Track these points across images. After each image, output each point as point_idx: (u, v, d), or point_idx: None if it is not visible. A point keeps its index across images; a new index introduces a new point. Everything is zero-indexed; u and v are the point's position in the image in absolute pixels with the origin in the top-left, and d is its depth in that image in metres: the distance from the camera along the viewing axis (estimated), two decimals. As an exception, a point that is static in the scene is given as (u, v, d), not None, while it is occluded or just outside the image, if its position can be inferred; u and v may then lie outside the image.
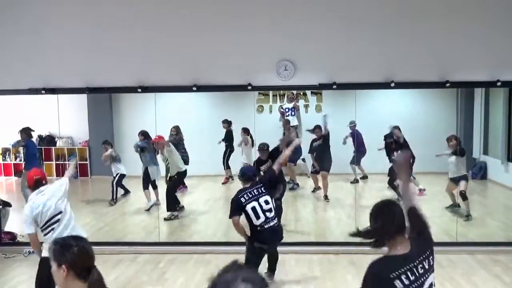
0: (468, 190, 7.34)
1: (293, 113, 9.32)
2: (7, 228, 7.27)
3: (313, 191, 8.85)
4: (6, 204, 7.34)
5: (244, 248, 5.47)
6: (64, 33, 6.74)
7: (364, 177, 9.10)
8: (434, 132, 8.48)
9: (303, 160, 9.24)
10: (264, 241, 5.28)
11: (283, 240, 6.11)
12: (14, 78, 6.82)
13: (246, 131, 8.74)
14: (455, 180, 7.43)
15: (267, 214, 5.22)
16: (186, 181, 8.68)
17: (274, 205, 5.52)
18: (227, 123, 9.06)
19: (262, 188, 5.32)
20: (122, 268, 6.24)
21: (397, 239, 2.63)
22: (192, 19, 6.60)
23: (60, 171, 8.53)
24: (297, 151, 8.48)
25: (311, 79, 6.62)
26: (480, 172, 8.46)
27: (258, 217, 5.20)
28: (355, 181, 8.78)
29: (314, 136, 8.54)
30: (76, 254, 2.54)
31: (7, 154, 9.37)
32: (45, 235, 4.68)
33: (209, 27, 6.59)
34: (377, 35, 6.49)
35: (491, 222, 7.42)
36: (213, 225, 7.85)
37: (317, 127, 8.44)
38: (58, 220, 4.69)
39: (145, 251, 6.77)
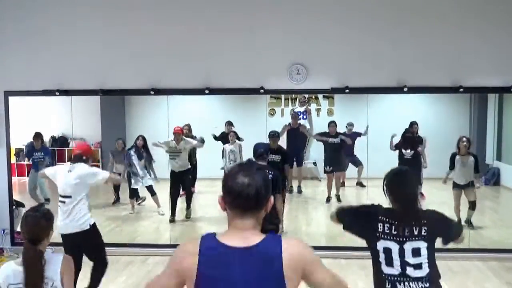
0: (481, 196, 7.26)
1: (304, 116, 9.30)
2: (19, 228, 7.30)
3: (328, 201, 8.60)
4: (19, 205, 7.39)
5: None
6: (78, 35, 6.81)
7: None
8: (446, 137, 8.41)
9: (314, 164, 9.21)
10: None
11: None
12: (28, 80, 6.89)
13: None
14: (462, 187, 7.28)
15: None
16: (196, 183, 8.70)
17: None
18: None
19: (270, 176, 5.18)
20: (133, 270, 6.27)
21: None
22: (205, 23, 6.63)
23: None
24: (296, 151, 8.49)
25: (323, 83, 6.61)
26: (493, 178, 8.37)
27: None
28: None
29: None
30: (22, 222, 2.97)
31: (20, 154, 9.45)
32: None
33: (222, 30, 6.62)
34: (390, 39, 6.47)
35: (504, 229, 7.35)
36: (223, 228, 7.84)
37: (333, 122, 8.35)
38: (63, 202, 4.84)
39: (156, 253, 6.78)
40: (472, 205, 7.19)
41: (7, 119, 7.06)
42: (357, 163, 8.81)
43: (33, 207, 3.13)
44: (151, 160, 8.29)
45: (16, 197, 7.49)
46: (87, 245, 4.96)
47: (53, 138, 9.09)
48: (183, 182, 8.13)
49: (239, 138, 8.75)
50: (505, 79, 6.43)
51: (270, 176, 5.23)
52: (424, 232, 2.77)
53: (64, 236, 4.87)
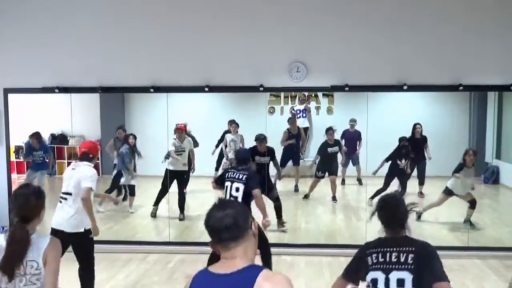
0: (480, 194, 7.27)
1: (304, 115, 9.31)
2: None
3: (306, 197, 8.71)
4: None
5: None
6: (77, 33, 6.80)
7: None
8: (446, 135, 8.43)
9: (314, 162, 9.21)
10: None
11: (293, 242, 6.11)
12: (28, 77, 6.89)
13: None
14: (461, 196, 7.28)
15: (232, 199, 5.13)
16: (195, 181, 8.70)
17: (242, 198, 5.24)
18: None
19: (244, 177, 5.24)
20: (132, 268, 6.27)
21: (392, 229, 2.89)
22: (205, 20, 6.62)
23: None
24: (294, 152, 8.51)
25: (323, 81, 6.61)
26: (492, 176, 8.38)
27: (225, 195, 5.27)
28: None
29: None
30: (12, 200, 2.87)
31: (19, 152, 9.44)
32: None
33: (222, 28, 6.62)
34: (390, 38, 6.47)
35: (503, 227, 7.35)
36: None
37: (331, 129, 8.37)
38: (64, 199, 4.84)
39: (155, 250, 6.79)
40: (472, 204, 7.18)
41: (6, 116, 7.06)
42: (355, 162, 8.83)
43: (23, 184, 3.03)
44: (136, 158, 8.27)
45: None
46: (79, 247, 4.86)
47: (52, 135, 9.09)
48: (178, 181, 8.06)
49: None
50: (505, 77, 6.43)
51: (244, 176, 5.25)
52: (411, 260, 2.73)
53: (55, 231, 4.74)
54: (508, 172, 8.19)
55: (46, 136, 8.63)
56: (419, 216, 7.41)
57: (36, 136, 7.92)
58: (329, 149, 8.42)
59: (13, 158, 7.93)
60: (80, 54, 6.81)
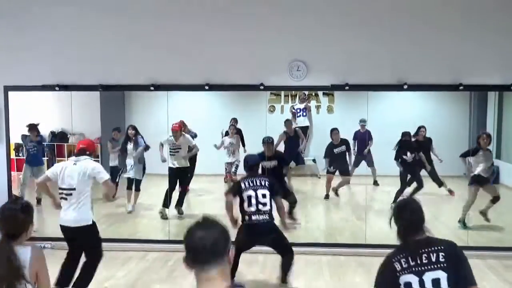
0: (481, 194, 7.27)
1: (304, 113, 9.30)
2: None
3: (327, 198, 8.66)
4: (18, 199, 7.38)
5: (254, 248, 5.49)
6: (78, 31, 6.80)
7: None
8: (446, 135, 8.42)
9: (314, 160, 9.22)
10: (246, 233, 5.30)
11: (293, 241, 6.09)
12: (28, 75, 6.89)
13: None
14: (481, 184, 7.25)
15: (260, 206, 5.23)
16: (196, 179, 8.70)
17: (272, 203, 5.36)
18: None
19: (266, 183, 5.31)
20: (132, 266, 6.27)
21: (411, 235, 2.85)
22: (206, 18, 6.62)
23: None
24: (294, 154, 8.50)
25: (323, 80, 6.61)
26: (492, 176, 8.38)
27: (250, 205, 5.23)
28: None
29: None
30: None
31: (19, 149, 9.44)
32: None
33: (222, 26, 6.62)
34: (390, 37, 6.47)
35: (503, 227, 7.35)
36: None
37: (335, 129, 8.34)
38: (69, 194, 4.89)
39: (155, 249, 6.79)
40: (495, 199, 7.19)
41: (6, 114, 7.06)
42: (370, 163, 8.81)
43: (12, 199, 2.99)
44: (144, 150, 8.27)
45: (15, 191, 7.49)
46: (87, 240, 5.00)
47: (52, 133, 9.09)
48: (180, 178, 8.10)
49: (239, 132, 8.79)
50: (505, 77, 6.43)
51: (266, 182, 5.29)
52: (442, 259, 2.72)
53: (65, 228, 4.93)
54: (508, 172, 8.19)
55: (46, 134, 8.63)
56: (464, 224, 7.26)
57: (33, 128, 7.94)
58: (335, 150, 8.39)
59: (13, 155, 7.92)
60: (80, 52, 6.81)
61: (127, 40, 6.75)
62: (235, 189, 5.39)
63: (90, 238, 5.01)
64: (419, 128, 8.11)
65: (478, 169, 7.22)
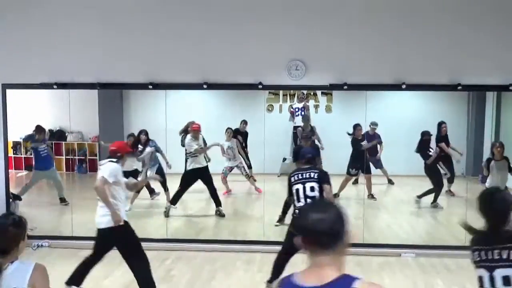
0: (478, 194, 7.26)
1: (303, 113, 9.30)
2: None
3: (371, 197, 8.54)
4: (16, 198, 7.39)
5: (251, 247, 5.48)
6: (76, 29, 6.78)
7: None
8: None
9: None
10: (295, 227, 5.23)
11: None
12: (26, 73, 6.87)
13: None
14: None
15: (308, 200, 5.01)
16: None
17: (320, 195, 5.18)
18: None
19: (316, 175, 5.11)
20: (127, 267, 6.25)
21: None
22: (204, 17, 6.60)
23: (70, 166, 8.58)
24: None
25: (322, 79, 6.60)
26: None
27: (299, 200, 5.07)
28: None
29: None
30: None
31: (17, 147, 9.43)
32: None
33: (221, 25, 6.60)
34: (389, 37, 6.46)
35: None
36: (220, 223, 7.87)
37: (359, 125, 8.27)
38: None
39: (152, 247, 6.75)
40: None
41: (4, 112, 7.04)
42: (378, 165, 8.81)
43: (4, 213, 2.86)
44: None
45: (13, 190, 7.48)
46: (116, 242, 5.04)
47: (50, 131, 9.08)
48: (206, 178, 8.09)
49: (236, 136, 8.77)
50: (503, 78, 6.43)
51: (316, 174, 5.12)
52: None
53: (97, 230, 5.02)
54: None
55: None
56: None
57: (41, 130, 7.97)
58: (362, 144, 8.35)
59: (10, 153, 7.92)
60: (78, 50, 6.79)
61: (125, 38, 6.73)
62: (288, 185, 5.27)
63: (120, 239, 5.02)
64: (440, 123, 8.10)
65: (488, 182, 7.22)
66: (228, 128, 8.78)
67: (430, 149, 8.07)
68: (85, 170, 9.48)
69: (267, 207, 7.38)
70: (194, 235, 7.39)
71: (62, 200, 8.06)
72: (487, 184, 7.24)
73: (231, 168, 8.84)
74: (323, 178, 5.12)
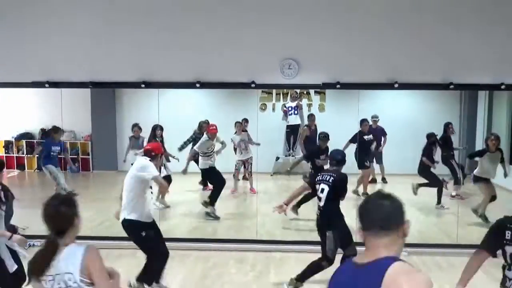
0: (470, 192, 7.32)
1: (296, 112, 9.33)
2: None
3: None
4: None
5: (243, 245, 5.48)
6: (68, 27, 6.74)
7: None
8: (437, 133, 8.47)
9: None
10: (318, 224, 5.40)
11: (283, 239, 6.08)
12: (18, 71, 6.82)
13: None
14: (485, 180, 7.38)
15: (319, 201, 5.31)
16: (187, 177, 8.70)
17: (325, 200, 5.30)
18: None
19: (331, 179, 5.23)
20: (122, 263, 6.23)
21: None
22: (197, 16, 6.59)
23: (62, 164, 8.54)
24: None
25: (315, 78, 6.61)
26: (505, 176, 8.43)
27: (319, 199, 5.31)
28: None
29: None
30: (42, 213, 2.72)
31: (9, 146, 9.39)
32: None
33: (213, 24, 6.59)
34: (381, 36, 6.47)
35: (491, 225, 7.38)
36: (213, 222, 7.86)
37: (365, 120, 8.36)
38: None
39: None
40: (492, 198, 7.34)
41: (-4, 110, 7.00)
42: (379, 160, 8.83)
43: (52, 195, 2.85)
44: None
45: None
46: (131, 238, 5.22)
47: (43, 130, 9.05)
48: (217, 176, 8.22)
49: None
50: (496, 76, 6.45)
51: (331, 178, 5.23)
52: None
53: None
54: (498, 170, 8.24)
55: (36, 131, 8.58)
56: (485, 218, 7.35)
57: (58, 129, 7.98)
58: (365, 137, 8.42)
59: (2, 153, 7.89)
60: (70, 49, 6.75)
61: (118, 37, 6.70)
62: (313, 180, 5.53)
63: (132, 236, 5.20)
64: (448, 124, 8.15)
65: (478, 171, 7.41)
66: (237, 122, 8.79)
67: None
68: (77, 169, 9.46)
69: (260, 206, 7.39)
70: (187, 234, 7.39)
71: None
72: (476, 173, 7.33)
73: (243, 162, 8.84)
74: (335, 184, 5.25)
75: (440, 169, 8.19)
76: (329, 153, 5.92)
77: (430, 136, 8.12)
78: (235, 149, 8.91)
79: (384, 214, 1.97)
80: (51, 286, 2.59)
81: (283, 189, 9.36)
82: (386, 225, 1.95)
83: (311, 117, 8.85)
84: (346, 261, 2.07)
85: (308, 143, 8.65)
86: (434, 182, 8.07)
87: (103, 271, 2.66)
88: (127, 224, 5.09)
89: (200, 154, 8.11)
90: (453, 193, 8.37)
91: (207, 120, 8.69)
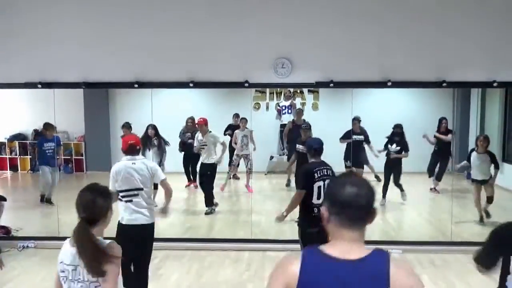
0: (464, 189, 7.35)
1: (289, 111, 9.33)
2: (2, 222, 7.23)
3: None
4: (1, 198, 7.29)
5: (240, 245, 5.47)
6: (61, 28, 6.71)
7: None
8: (429, 131, 8.50)
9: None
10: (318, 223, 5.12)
11: (278, 238, 6.07)
12: (10, 72, 6.79)
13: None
14: (481, 183, 7.40)
15: (318, 198, 4.81)
16: (180, 176, 8.70)
17: None
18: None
19: (330, 172, 4.87)
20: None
21: None
22: (190, 16, 6.58)
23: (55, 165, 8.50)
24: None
25: (308, 77, 6.61)
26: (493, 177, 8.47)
27: (319, 197, 4.76)
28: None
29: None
30: (77, 201, 2.74)
31: (2, 148, 9.34)
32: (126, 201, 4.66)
33: (206, 23, 6.58)
34: (374, 34, 6.49)
35: (486, 222, 7.42)
36: (208, 221, 7.86)
37: (356, 119, 8.30)
38: (136, 195, 4.63)
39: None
40: (489, 199, 7.36)
41: (-12, 111, 6.96)
42: (366, 162, 8.85)
43: (90, 184, 2.84)
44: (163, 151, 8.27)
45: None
46: (149, 239, 4.81)
47: (35, 131, 9.01)
48: (205, 175, 8.17)
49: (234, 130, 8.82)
50: (488, 74, 6.48)
51: (330, 171, 4.87)
52: None
53: (130, 226, 4.66)
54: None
55: (29, 132, 8.54)
56: (481, 220, 7.41)
57: (50, 126, 7.88)
58: (354, 137, 8.36)
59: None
60: (63, 49, 6.72)
61: (111, 37, 6.68)
62: (308, 181, 4.76)
63: (152, 236, 4.85)
64: (441, 119, 8.19)
65: (472, 174, 7.48)
66: (243, 118, 8.78)
67: (393, 145, 8.22)
68: (71, 169, 9.42)
69: (255, 205, 7.39)
70: (182, 233, 7.38)
71: (48, 200, 7.99)
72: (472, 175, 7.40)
73: (241, 157, 8.84)
74: (335, 175, 4.87)
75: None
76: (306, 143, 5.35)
77: (394, 127, 8.21)
78: (231, 144, 8.93)
79: (369, 202, 1.81)
80: (72, 277, 2.62)
81: (277, 188, 9.38)
82: (364, 218, 1.81)
83: (298, 112, 8.85)
84: (313, 256, 1.78)
85: (292, 137, 8.68)
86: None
87: (116, 269, 2.63)
88: (153, 228, 4.80)
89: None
90: (432, 186, 8.61)
91: (193, 117, 8.74)
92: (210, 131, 8.07)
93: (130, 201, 4.61)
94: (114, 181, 4.61)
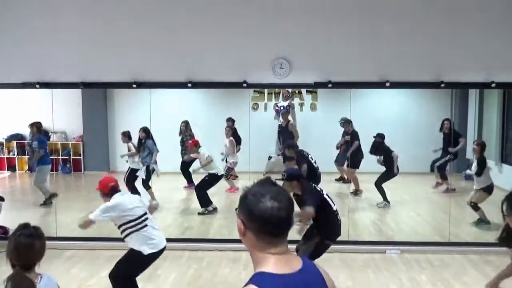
0: (462, 190, 7.34)
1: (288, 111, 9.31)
2: (0, 222, 7.24)
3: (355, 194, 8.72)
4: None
5: (238, 245, 5.47)
6: (59, 28, 6.71)
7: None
8: (428, 132, 8.51)
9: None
10: (337, 232, 5.31)
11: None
12: (8, 72, 6.78)
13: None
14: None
15: (334, 204, 5.29)
16: (177, 176, 8.70)
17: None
18: (232, 122, 9.05)
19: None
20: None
21: None
22: (189, 16, 6.58)
23: (54, 166, 8.49)
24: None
25: (307, 77, 6.61)
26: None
27: (334, 203, 5.26)
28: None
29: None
30: (11, 246, 2.55)
31: (0, 148, 9.33)
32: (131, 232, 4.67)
33: (205, 23, 6.58)
34: (373, 35, 6.49)
35: (483, 223, 7.42)
36: (206, 222, 7.85)
37: (345, 119, 8.38)
38: (147, 218, 4.71)
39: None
40: (474, 206, 7.29)
41: (-14, 111, 6.95)
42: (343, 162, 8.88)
43: (21, 227, 2.66)
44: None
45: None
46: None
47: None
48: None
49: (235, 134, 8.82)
50: (486, 75, 6.49)
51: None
52: None
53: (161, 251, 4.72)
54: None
55: (26, 132, 8.52)
56: (481, 221, 7.36)
57: (36, 125, 7.90)
58: (346, 137, 8.46)
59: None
60: (61, 49, 6.71)
61: (109, 37, 6.67)
62: (317, 197, 5.18)
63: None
64: (443, 121, 8.19)
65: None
66: (228, 124, 8.88)
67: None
68: (69, 170, 9.41)
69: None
70: (180, 234, 7.37)
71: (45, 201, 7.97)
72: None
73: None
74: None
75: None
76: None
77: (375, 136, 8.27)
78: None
79: (290, 214, 1.73)
80: None
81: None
82: (291, 225, 1.76)
83: (283, 113, 8.86)
84: (268, 281, 1.66)
85: (281, 137, 8.72)
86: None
87: None
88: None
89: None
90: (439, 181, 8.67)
91: (186, 121, 8.86)
92: (199, 151, 8.30)
93: (148, 226, 4.66)
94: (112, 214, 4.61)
